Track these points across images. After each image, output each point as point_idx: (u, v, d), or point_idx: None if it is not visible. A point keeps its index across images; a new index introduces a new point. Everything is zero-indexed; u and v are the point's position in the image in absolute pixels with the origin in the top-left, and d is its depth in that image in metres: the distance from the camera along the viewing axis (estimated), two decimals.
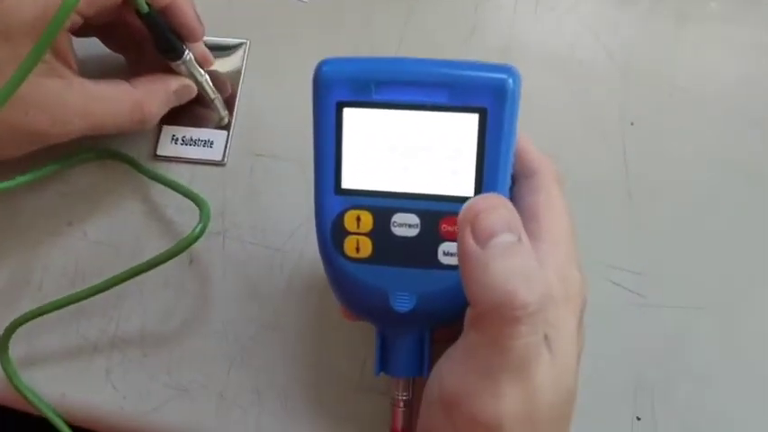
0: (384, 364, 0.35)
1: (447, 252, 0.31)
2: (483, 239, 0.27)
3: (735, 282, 0.40)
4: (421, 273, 0.32)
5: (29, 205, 0.44)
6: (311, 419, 0.39)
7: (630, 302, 0.40)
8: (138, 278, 0.40)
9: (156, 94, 0.41)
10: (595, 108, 0.44)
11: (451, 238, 0.31)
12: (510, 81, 0.30)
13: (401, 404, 0.35)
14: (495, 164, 0.30)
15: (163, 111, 0.43)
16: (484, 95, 0.30)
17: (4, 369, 0.40)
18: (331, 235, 0.32)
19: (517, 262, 0.26)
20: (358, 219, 0.32)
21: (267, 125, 0.46)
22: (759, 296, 0.40)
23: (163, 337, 0.41)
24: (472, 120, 0.30)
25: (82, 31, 0.39)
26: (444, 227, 0.31)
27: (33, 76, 0.34)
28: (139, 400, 0.41)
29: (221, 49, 0.47)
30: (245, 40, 0.48)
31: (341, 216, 0.32)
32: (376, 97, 0.31)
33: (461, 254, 0.27)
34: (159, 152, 0.45)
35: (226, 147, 0.45)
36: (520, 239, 0.27)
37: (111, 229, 0.44)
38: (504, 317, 0.26)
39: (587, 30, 0.46)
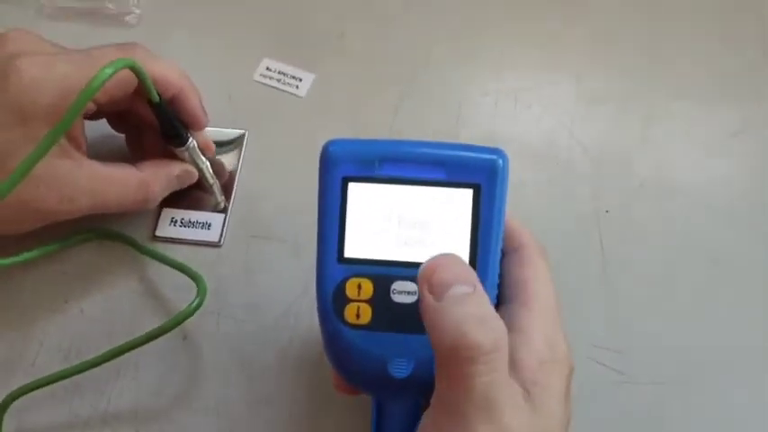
0: None
1: None
2: (439, 292, 0.29)
3: (707, 355, 0.42)
4: (418, 339, 0.33)
5: (28, 282, 0.46)
6: None
7: (610, 380, 0.41)
8: (133, 355, 0.40)
9: (159, 177, 0.44)
10: (572, 197, 0.47)
11: None
12: (500, 161, 0.33)
13: None
14: (488, 234, 0.33)
15: (165, 193, 0.45)
16: (477, 173, 0.33)
17: None
18: (332, 302, 0.34)
19: (470, 309, 0.28)
20: (359, 286, 0.34)
21: (262, 209, 0.48)
22: (730, 369, 0.42)
23: (154, 413, 0.42)
24: (467, 194, 0.33)
25: (94, 115, 0.42)
26: None
27: (46, 156, 0.36)
28: None
29: (222, 138, 0.50)
30: (243, 131, 0.51)
31: (342, 283, 0.34)
32: (379, 173, 0.33)
33: (422, 308, 0.29)
34: (158, 233, 0.47)
35: (223, 229, 0.47)
36: (475, 289, 0.29)
37: (107, 306, 0.45)
38: (460, 357, 0.27)
39: (562, 126, 0.50)
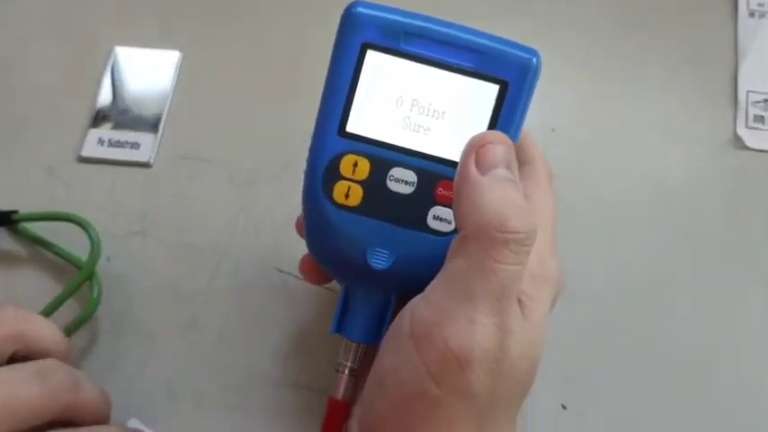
0: (341, 324, 0.33)
1: (437, 216, 0.31)
2: (485, 167, 0.27)
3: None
4: (405, 233, 0.31)
5: None
6: (230, 417, 0.37)
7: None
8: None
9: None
10: None
11: (445, 203, 0.31)
12: (534, 61, 0.31)
13: (346, 371, 0.33)
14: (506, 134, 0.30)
15: None
16: (509, 69, 0.30)
17: None
18: (323, 176, 0.31)
19: (513, 194, 0.27)
20: (355, 164, 0.31)
21: (195, 130, 0.46)
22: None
23: (85, 339, 0.39)
24: (492, 90, 0.31)
25: None
26: (441, 191, 0.31)
27: None
28: None
29: (155, 59, 0.48)
30: (177, 51, 0.48)
31: (338, 158, 0.31)
32: (404, 47, 0.31)
33: (461, 177, 0.28)
34: (84, 153, 0.45)
35: (153, 149, 0.45)
36: (516, 180, 0.28)
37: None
38: (493, 238, 0.26)
39: None
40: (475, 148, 0.28)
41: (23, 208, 0.42)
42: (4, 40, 0.50)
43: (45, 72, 0.48)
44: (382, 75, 0.31)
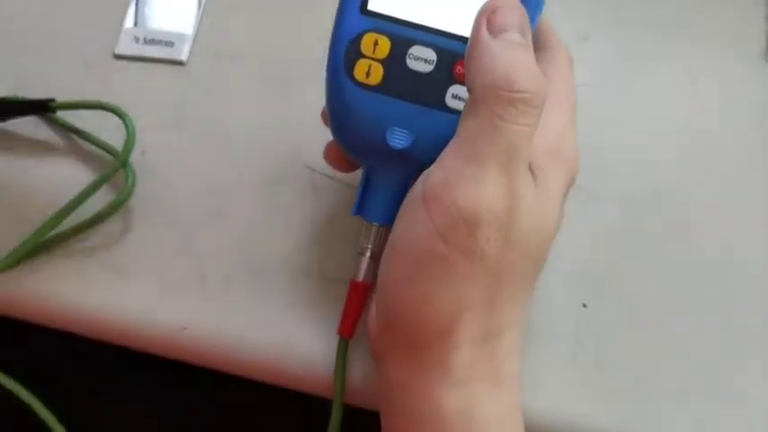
0: (363, 206, 0.34)
1: (456, 95, 0.31)
2: (496, 30, 0.28)
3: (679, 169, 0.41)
4: (424, 111, 0.31)
5: None
6: (257, 302, 0.39)
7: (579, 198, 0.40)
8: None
9: None
10: None
11: (464, 81, 0.31)
12: None
13: (367, 253, 0.34)
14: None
15: None
16: None
17: None
18: (344, 55, 0.32)
19: (523, 56, 0.27)
20: (376, 43, 0.32)
21: (229, 28, 0.46)
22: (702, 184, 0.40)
23: (109, 221, 0.40)
24: None
25: None
26: (459, 69, 0.31)
27: None
28: (78, 282, 0.39)
29: None
30: None
31: (359, 37, 0.32)
32: None
33: (472, 40, 0.28)
34: (118, 51, 0.45)
35: (189, 47, 0.45)
36: (528, 44, 0.28)
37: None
38: (499, 97, 0.26)
39: None
40: (487, 12, 0.28)
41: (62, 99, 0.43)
42: None
43: None
44: None
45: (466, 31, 0.31)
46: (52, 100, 0.41)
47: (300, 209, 0.41)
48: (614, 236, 0.39)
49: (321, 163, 0.40)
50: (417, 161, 0.32)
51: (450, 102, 0.31)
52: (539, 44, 0.33)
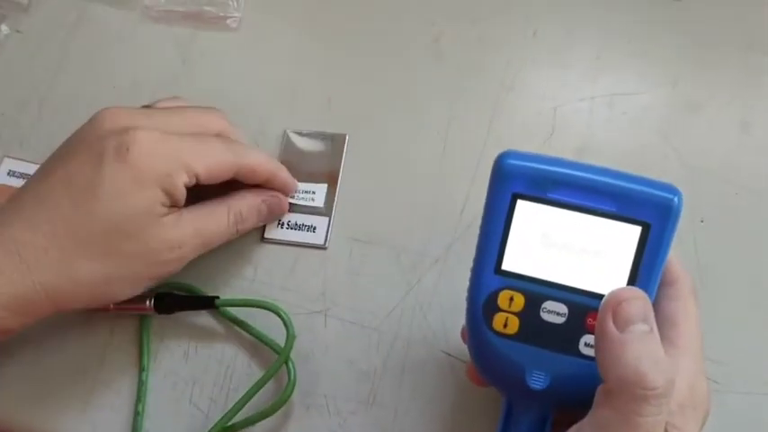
0: None
1: (588, 344, 0.34)
2: (622, 324, 0.31)
3: None
4: (560, 357, 0.35)
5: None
6: None
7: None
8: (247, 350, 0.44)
9: (246, 201, 0.46)
10: None
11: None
12: (675, 200, 0.33)
13: None
14: (649, 273, 0.34)
15: (254, 218, 0.47)
16: (650, 211, 0.33)
17: None
18: (483, 308, 0.36)
19: (649, 348, 0.30)
20: (511, 299, 0.35)
21: (364, 212, 0.50)
22: None
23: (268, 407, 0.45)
24: (635, 231, 0.34)
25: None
26: (590, 321, 0.34)
27: (153, 216, 0.41)
28: None
29: (322, 141, 0.52)
30: (344, 133, 0.52)
31: (495, 293, 0.35)
32: (549, 195, 0.34)
33: (601, 333, 0.31)
34: (267, 235, 0.50)
35: (327, 232, 0.49)
36: (652, 330, 0.31)
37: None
38: (634, 394, 0.29)
39: (657, 133, 0.51)
40: (611, 306, 0.31)
41: (218, 286, 0.48)
42: None
43: None
44: (532, 219, 0.35)
45: (594, 288, 0.35)
46: (216, 297, 0.46)
47: (443, 394, 0.45)
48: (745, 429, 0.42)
49: (459, 349, 0.45)
50: (555, 399, 0.36)
51: (583, 349, 0.35)
52: (665, 277, 0.35)
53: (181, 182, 0.41)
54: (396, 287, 0.48)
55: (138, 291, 0.43)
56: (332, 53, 0.56)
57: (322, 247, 0.49)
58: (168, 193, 0.41)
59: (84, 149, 0.41)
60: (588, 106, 0.52)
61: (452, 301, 0.47)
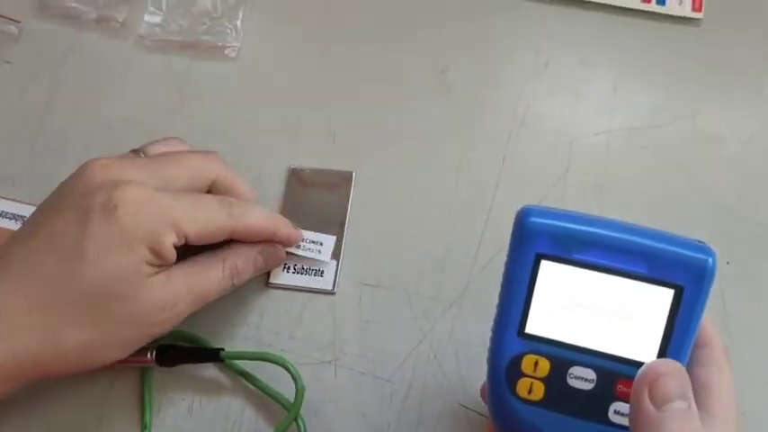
0: None
1: (618, 411, 0.32)
2: (659, 402, 0.29)
3: None
4: (588, 425, 0.33)
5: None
6: None
7: None
8: (254, 407, 0.42)
9: (242, 252, 0.43)
10: None
11: (626, 399, 0.32)
12: (710, 262, 0.31)
13: None
14: (683, 339, 0.32)
15: (250, 269, 0.44)
16: (683, 273, 0.31)
17: None
18: (506, 373, 0.34)
19: (689, 428, 0.29)
20: (536, 363, 0.33)
21: (372, 255, 0.48)
22: None
23: None
24: (667, 294, 0.31)
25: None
26: (620, 387, 0.32)
27: (142, 277, 0.38)
28: None
29: (328, 179, 0.50)
30: (351, 171, 0.50)
31: (519, 357, 0.33)
32: (576, 256, 0.32)
33: (636, 411, 0.29)
34: (272, 280, 0.47)
35: (335, 276, 0.47)
36: (690, 407, 0.29)
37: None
38: None
39: (678, 169, 0.49)
40: (647, 381, 0.29)
41: (223, 335, 0.46)
42: None
43: None
44: (557, 281, 0.33)
45: (624, 353, 0.33)
46: (222, 349, 0.44)
47: None
48: None
49: (476, 401, 0.43)
50: None
51: (612, 417, 0.33)
52: (696, 340, 0.33)
53: (169, 242, 0.39)
54: (408, 334, 0.46)
55: (130, 352, 0.41)
56: (336, 85, 0.54)
57: (330, 293, 0.47)
58: (155, 253, 0.39)
59: (70, 206, 0.39)
60: (605, 141, 0.50)
61: (469, 350, 0.44)
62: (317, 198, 0.50)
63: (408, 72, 0.53)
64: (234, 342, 0.46)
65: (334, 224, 0.49)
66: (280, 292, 0.47)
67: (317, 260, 0.47)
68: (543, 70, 0.53)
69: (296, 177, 0.50)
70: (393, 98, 0.53)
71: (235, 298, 0.47)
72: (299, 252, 0.47)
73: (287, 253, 0.46)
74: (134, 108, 0.53)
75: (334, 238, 0.48)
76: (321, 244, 0.47)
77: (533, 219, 0.33)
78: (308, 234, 0.47)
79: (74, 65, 0.55)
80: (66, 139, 0.52)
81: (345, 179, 0.50)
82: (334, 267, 0.48)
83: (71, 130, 0.53)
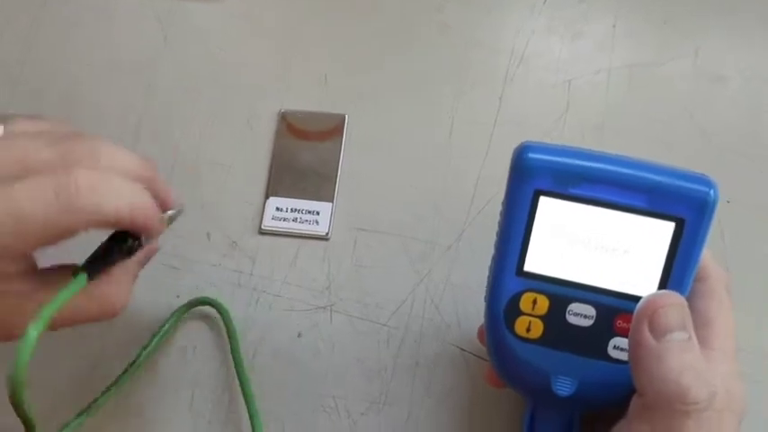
0: None
1: (617, 347, 0.32)
2: (659, 333, 0.28)
3: None
4: (587, 362, 0.32)
5: None
6: None
7: None
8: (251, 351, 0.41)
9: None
10: None
11: (625, 334, 0.31)
12: (711, 194, 0.30)
13: None
14: (683, 272, 0.31)
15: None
16: (684, 206, 0.30)
17: None
18: (504, 312, 0.33)
19: (689, 359, 0.28)
20: (534, 301, 0.33)
21: (368, 199, 0.47)
22: None
23: (274, 410, 0.42)
24: (667, 227, 0.31)
25: None
26: (620, 323, 0.32)
27: None
28: None
29: (321, 123, 0.48)
30: (343, 114, 0.49)
31: (518, 296, 0.33)
32: (575, 191, 0.31)
33: (635, 343, 0.29)
34: (264, 225, 0.46)
35: (330, 220, 0.46)
36: (690, 338, 0.29)
37: None
38: (674, 410, 0.27)
39: (679, 108, 0.47)
40: (647, 313, 0.29)
41: (214, 280, 0.45)
42: (177, 124, 0.50)
43: (217, 144, 0.49)
44: (556, 217, 0.32)
45: (623, 288, 0.32)
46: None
47: (458, 392, 0.42)
48: None
49: (474, 344, 0.42)
50: (581, 405, 0.34)
51: (612, 352, 0.33)
52: (698, 274, 0.33)
53: None
54: (405, 279, 0.45)
55: None
56: (327, 25, 0.52)
57: (324, 238, 0.46)
58: None
59: None
60: (605, 79, 0.48)
61: (466, 293, 0.44)
62: (308, 149, 0.48)
63: (404, 10, 0.52)
64: (227, 288, 0.45)
65: (327, 173, 0.47)
66: (272, 237, 0.46)
67: (311, 211, 0.46)
68: (542, 7, 0.51)
69: (287, 122, 0.49)
70: (387, 38, 0.51)
71: (226, 243, 0.46)
72: (296, 227, 0.46)
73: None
74: (118, 51, 0.52)
75: (330, 204, 0.46)
76: (318, 213, 0.46)
77: (532, 155, 0.32)
78: (304, 204, 0.46)
79: (54, 6, 0.53)
80: (47, 83, 0.51)
81: (338, 123, 0.49)
82: (329, 211, 0.46)
83: (53, 74, 0.51)
